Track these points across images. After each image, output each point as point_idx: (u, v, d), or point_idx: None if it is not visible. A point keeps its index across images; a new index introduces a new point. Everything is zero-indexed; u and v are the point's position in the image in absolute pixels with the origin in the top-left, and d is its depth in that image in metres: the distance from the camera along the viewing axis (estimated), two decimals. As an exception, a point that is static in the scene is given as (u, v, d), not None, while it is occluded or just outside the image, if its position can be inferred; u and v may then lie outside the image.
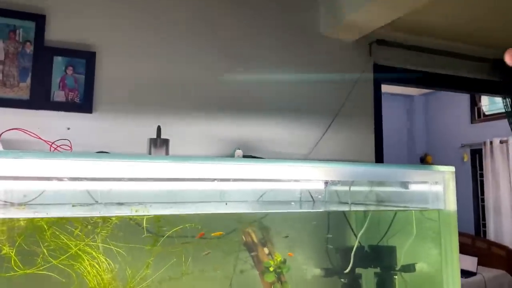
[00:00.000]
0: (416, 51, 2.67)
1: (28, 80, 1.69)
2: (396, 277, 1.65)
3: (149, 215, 1.21)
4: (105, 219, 1.21)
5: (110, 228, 1.20)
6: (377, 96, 2.56)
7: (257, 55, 2.18)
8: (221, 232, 1.41)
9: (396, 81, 2.69)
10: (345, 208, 1.58)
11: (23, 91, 1.68)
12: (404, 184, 1.53)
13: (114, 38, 1.87)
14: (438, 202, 1.36)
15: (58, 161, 0.92)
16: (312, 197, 1.82)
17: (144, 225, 1.26)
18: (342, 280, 1.64)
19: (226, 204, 1.20)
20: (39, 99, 1.70)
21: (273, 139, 2.15)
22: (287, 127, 2.22)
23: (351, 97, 2.39)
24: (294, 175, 1.18)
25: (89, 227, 1.16)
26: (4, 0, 1.70)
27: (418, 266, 1.65)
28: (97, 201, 1.51)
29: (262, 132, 2.13)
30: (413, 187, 1.49)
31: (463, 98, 5.12)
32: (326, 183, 1.66)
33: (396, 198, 1.64)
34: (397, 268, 1.64)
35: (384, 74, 2.56)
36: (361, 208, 1.60)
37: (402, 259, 1.64)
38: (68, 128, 1.75)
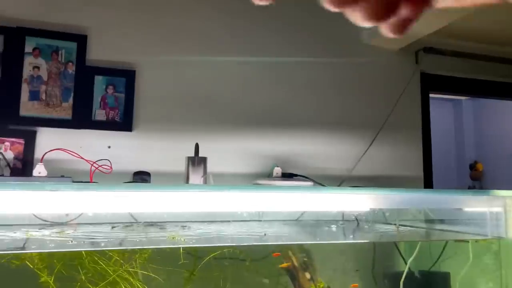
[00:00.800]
0: (465, 58, 2.50)
1: (71, 100, 1.72)
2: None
3: (190, 245, 1.17)
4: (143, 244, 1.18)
5: (148, 254, 1.18)
6: (425, 106, 2.43)
7: (297, 68, 2.11)
8: (288, 263, 1.36)
9: (444, 90, 2.54)
10: (392, 233, 1.48)
11: (65, 111, 1.71)
12: (459, 209, 1.41)
13: (153, 57, 1.86)
14: (498, 229, 1.24)
15: (95, 193, 0.90)
16: (356, 219, 1.73)
17: (181, 251, 1.22)
18: (390, 308, 1.54)
19: (265, 235, 1.15)
20: (81, 119, 1.72)
21: (313, 155, 2.07)
22: (328, 141, 2.13)
23: (397, 108, 2.27)
24: (338, 202, 1.10)
25: (126, 254, 1.14)
26: (46, 22, 1.73)
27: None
28: (136, 220, 1.49)
29: (301, 148, 2.06)
30: (469, 212, 1.37)
31: (517, 103, 4.80)
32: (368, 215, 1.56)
33: (450, 220, 1.52)
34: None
35: (432, 82, 2.42)
36: (409, 234, 1.49)
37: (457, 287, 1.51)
38: (109, 147, 1.75)
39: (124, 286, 1.13)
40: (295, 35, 2.13)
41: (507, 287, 1.23)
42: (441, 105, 5.45)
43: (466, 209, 1.43)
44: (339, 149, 2.15)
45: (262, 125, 2.00)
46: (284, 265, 1.34)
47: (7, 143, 1.62)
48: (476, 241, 1.35)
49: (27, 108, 1.66)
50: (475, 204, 1.23)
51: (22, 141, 1.63)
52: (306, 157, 2.06)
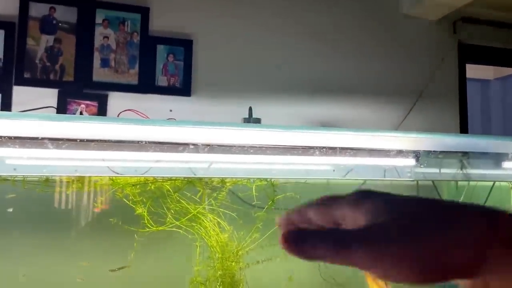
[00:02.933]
0: (504, 28, 2.56)
1: (136, 67, 1.88)
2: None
3: (260, 178, 1.32)
4: (223, 182, 1.33)
5: (225, 193, 1.33)
6: (462, 76, 2.50)
7: (340, 38, 2.22)
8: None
9: (482, 60, 2.60)
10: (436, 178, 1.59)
11: (132, 77, 1.87)
12: (501, 158, 1.51)
13: (209, 26, 2.01)
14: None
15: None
16: (398, 172, 1.84)
17: (254, 192, 1.37)
18: None
19: (334, 171, 1.28)
20: (146, 84, 1.88)
21: (354, 120, 2.19)
22: (368, 108, 2.25)
23: (434, 78, 2.36)
24: (378, 144, 1.23)
25: (208, 190, 1.29)
26: (114, -4, 1.89)
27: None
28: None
29: (345, 114, 2.18)
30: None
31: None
32: (417, 157, 1.68)
33: (492, 173, 1.62)
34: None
35: (469, 53, 2.49)
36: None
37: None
38: (171, 110, 1.91)
39: (205, 221, 1.29)
40: (338, 6, 2.24)
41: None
42: (469, 85, 5.45)
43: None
44: (378, 116, 2.26)
45: (309, 91, 2.13)
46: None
47: (82, 105, 1.79)
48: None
49: (99, 74, 1.83)
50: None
51: (96, 103, 1.81)
52: (348, 122, 2.18)
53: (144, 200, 1.27)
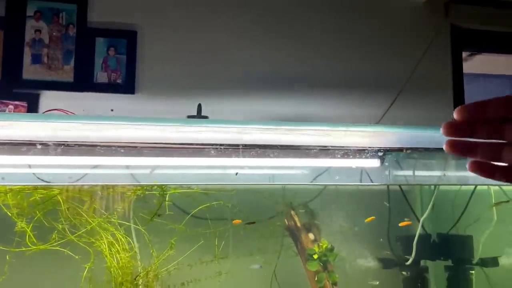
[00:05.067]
0: (505, 8, 2.24)
1: (72, 62, 1.70)
2: (473, 272, 1.36)
3: (172, 184, 1.11)
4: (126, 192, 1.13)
5: (130, 201, 1.12)
6: (457, 64, 2.20)
7: (311, 22, 1.98)
8: (240, 220, 1.26)
9: (479, 46, 2.29)
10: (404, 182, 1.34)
11: (67, 73, 1.69)
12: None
13: (154, 15, 1.81)
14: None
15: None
16: (369, 176, 1.59)
17: (166, 200, 1.16)
18: (403, 273, 1.40)
19: (236, 174, 1.05)
20: (83, 81, 1.70)
21: (327, 118, 1.94)
22: (344, 105, 1.99)
23: (422, 66, 2.07)
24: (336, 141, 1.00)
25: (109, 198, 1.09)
26: (47, -15, 1.72)
27: (503, 260, 1.35)
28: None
29: (313, 111, 1.93)
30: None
31: None
32: (383, 157, 1.42)
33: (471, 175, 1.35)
34: (474, 262, 1.36)
35: (465, 37, 2.19)
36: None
37: (480, 251, 1.35)
38: (112, 110, 1.73)
39: (105, 236, 1.08)
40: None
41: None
42: (494, 82, 5.00)
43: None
44: (356, 114, 2.00)
45: (270, 86, 1.89)
46: (237, 221, 1.24)
47: (10, 106, 1.63)
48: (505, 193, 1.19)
49: (30, 71, 1.66)
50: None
51: (25, 104, 1.64)
52: (319, 119, 1.93)
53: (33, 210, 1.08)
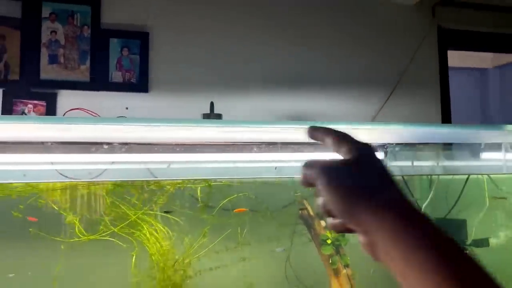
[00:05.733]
0: (487, 11, 2.42)
1: (88, 62, 1.76)
2: (467, 252, 1.52)
3: (198, 179, 1.21)
4: (162, 187, 1.22)
5: (166, 196, 1.22)
6: (443, 63, 2.37)
7: (310, 25, 2.10)
8: (245, 209, 1.37)
9: (464, 46, 2.47)
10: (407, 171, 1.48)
11: (83, 73, 1.76)
12: (475, 148, 1.39)
13: (166, 17, 1.89)
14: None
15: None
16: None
17: (199, 194, 1.26)
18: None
19: (276, 168, 1.16)
20: (98, 81, 1.77)
21: (327, 113, 2.07)
22: (342, 100, 2.13)
23: (413, 65, 2.23)
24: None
25: (146, 195, 1.18)
26: (62, -13, 1.77)
27: (493, 241, 1.51)
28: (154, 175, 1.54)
29: (315, 106, 2.06)
30: (486, 152, 1.35)
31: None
32: (385, 149, 1.56)
33: (465, 165, 1.50)
34: (468, 243, 1.52)
35: (450, 38, 2.36)
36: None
37: (473, 233, 1.51)
38: (127, 108, 1.80)
39: (145, 227, 1.18)
40: (307, -7, 2.11)
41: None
42: (465, 75, 5.28)
43: (484, 153, 1.42)
44: (353, 108, 2.14)
45: (276, 84, 2.01)
46: (240, 210, 1.35)
47: (30, 105, 1.68)
48: (494, 182, 1.35)
49: (47, 71, 1.72)
50: (491, 139, 1.23)
51: (43, 103, 1.70)
52: (320, 115, 2.06)
53: (76, 207, 1.16)
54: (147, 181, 1.18)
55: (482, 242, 1.51)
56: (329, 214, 0.42)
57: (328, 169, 0.41)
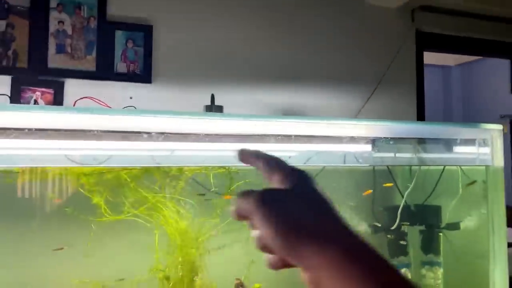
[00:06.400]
0: (461, 16, 2.63)
1: (94, 53, 1.83)
2: (440, 234, 1.73)
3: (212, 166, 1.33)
4: (181, 171, 1.34)
5: (182, 181, 1.34)
6: (420, 64, 2.58)
7: (302, 25, 2.24)
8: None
9: (438, 48, 2.69)
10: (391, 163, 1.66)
11: (89, 63, 1.83)
12: (450, 143, 1.59)
13: (169, 10, 1.98)
14: (485, 159, 1.42)
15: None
16: (356, 158, 1.91)
17: (211, 180, 1.39)
18: (388, 236, 1.74)
19: (290, 157, 1.31)
20: (104, 71, 1.84)
21: (316, 108, 2.23)
22: (330, 95, 2.29)
23: (393, 66, 2.43)
24: (336, 132, 1.28)
25: (167, 180, 1.30)
26: (69, -21, 1.83)
27: (463, 224, 1.72)
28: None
29: (307, 102, 2.21)
30: (460, 146, 1.55)
31: (503, 67, 4.97)
32: (373, 143, 1.74)
33: (442, 157, 1.70)
34: (442, 226, 1.73)
35: (426, 40, 2.56)
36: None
37: (447, 218, 1.71)
38: (131, 97, 1.89)
39: (164, 209, 1.30)
40: (300, -6, 2.25)
41: (493, 209, 1.43)
42: (430, 72, 5.60)
43: (458, 147, 1.62)
44: (339, 103, 2.31)
45: (272, 79, 2.14)
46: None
47: (38, 93, 1.74)
48: (466, 173, 1.55)
49: (54, 60, 1.78)
50: (464, 135, 1.42)
51: (51, 91, 1.76)
52: (310, 109, 2.22)
53: (101, 190, 1.26)
54: (169, 167, 1.29)
55: (454, 226, 1.72)
56: (266, 250, 0.38)
57: (263, 201, 0.38)
